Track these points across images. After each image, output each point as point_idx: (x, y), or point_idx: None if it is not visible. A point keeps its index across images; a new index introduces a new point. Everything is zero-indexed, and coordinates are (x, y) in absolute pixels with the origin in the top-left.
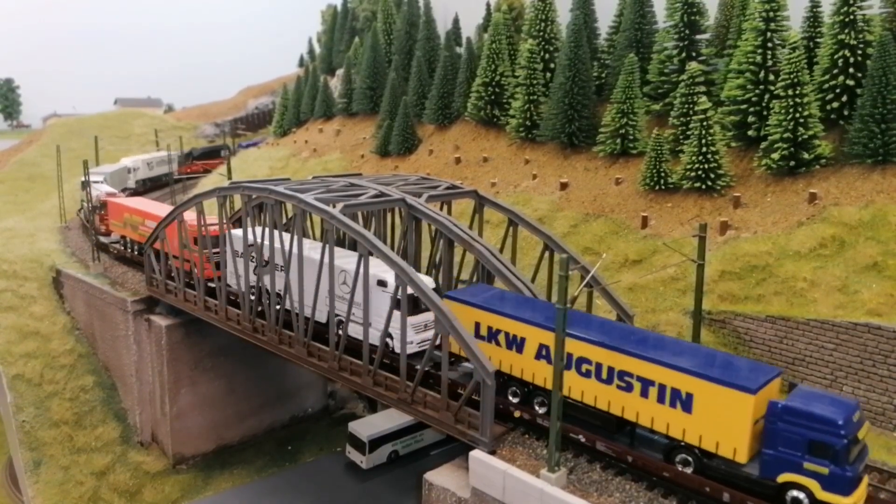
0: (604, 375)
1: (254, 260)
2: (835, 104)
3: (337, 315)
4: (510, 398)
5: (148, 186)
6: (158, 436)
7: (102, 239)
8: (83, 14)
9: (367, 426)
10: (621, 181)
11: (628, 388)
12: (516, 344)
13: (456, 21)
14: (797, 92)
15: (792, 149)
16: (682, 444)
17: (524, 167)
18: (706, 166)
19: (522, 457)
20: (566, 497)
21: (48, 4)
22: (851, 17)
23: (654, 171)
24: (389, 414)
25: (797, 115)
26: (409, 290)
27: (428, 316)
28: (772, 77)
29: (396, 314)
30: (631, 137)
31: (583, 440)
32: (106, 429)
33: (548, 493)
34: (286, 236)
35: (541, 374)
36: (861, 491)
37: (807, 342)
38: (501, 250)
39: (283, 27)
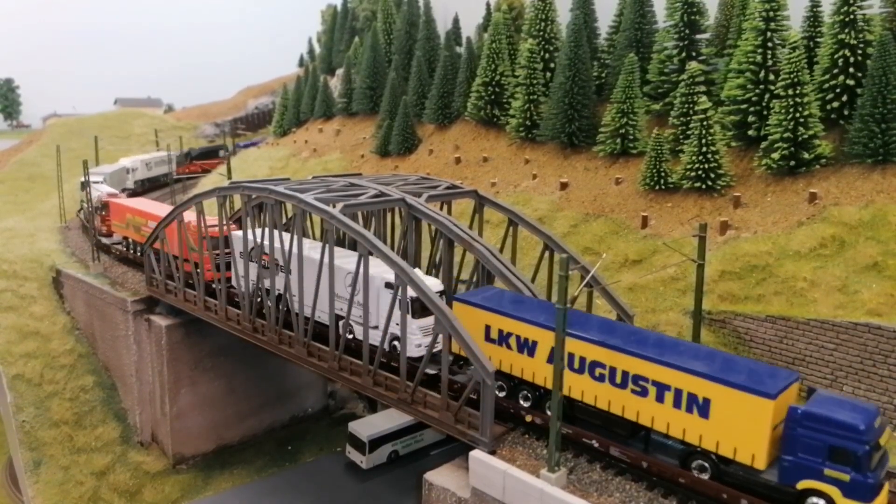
0: (618, 380)
1: (261, 262)
2: (835, 104)
3: (343, 317)
4: (521, 402)
5: (146, 187)
6: (158, 436)
7: (104, 240)
8: (83, 14)
9: (367, 426)
10: (621, 181)
11: (643, 392)
12: (527, 347)
13: (456, 21)
14: (797, 92)
15: (792, 148)
16: (699, 449)
17: (524, 167)
18: (706, 166)
19: (522, 457)
20: (566, 497)
21: (48, 4)
22: (851, 16)
23: (654, 170)
24: (389, 414)
25: (797, 114)
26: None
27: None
28: (772, 77)
29: (406, 316)
30: (631, 137)
31: (596, 445)
32: (106, 429)
33: (548, 493)
34: (293, 239)
35: (552, 378)
36: (882, 498)
37: (807, 342)
38: (501, 250)
39: (283, 27)
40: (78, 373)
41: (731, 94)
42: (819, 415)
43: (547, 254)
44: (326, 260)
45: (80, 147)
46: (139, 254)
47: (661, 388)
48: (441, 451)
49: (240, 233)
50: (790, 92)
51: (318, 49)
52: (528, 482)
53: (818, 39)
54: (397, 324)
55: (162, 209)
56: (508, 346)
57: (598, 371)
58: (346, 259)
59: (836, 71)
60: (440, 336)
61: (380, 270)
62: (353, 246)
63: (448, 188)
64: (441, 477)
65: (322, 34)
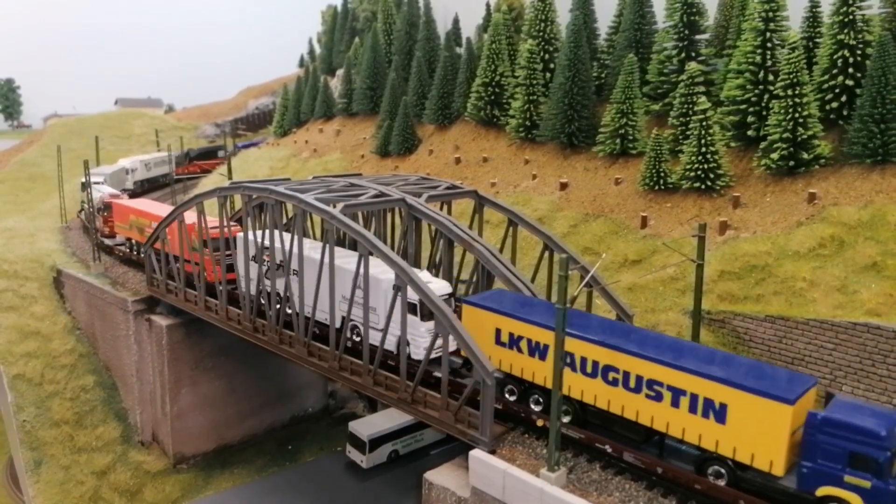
0: (632, 384)
1: (266, 264)
2: (834, 104)
3: (352, 320)
4: (532, 406)
5: (146, 188)
6: (159, 435)
7: (107, 241)
8: (83, 14)
9: (368, 426)
10: (621, 181)
11: (658, 397)
12: (539, 351)
13: (456, 21)
14: (796, 92)
15: (791, 149)
16: (715, 455)
17: (524, 167)
18: (705, 166)
19: (522, 456)
20: (566, 496)
21: (48, 4)
22: (851, 17)
23: (654, 171)
24: (389, 413)
25: (796, 115)
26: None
27: None
28: (771, 77)
29: (413, 319)
30: (630, 137)
31: (609, 450)
32: (106, 428)
33: (547, 492)
34: (300, 241)
35: (565, 381)
36: None
37: (806, 342)
38: (501, 250)
39: (283, 27)
40: (79, 372)
41: (731, 95)
42: (839, 420)
43: (547, 254)
44: (336, 263)
45: (80, 147)
46: (143, 255)
47: (677, 393)
48: (441, 450)
49: (246, 234)
50: (789, 92)
51: (318, 49)
52: (528, 481)
53: (817, 40)
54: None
55: (165, 210)
56: (519, 350)
57: (611, 375)
58: (353, 261)
59: (835, 71)
60: (450, 338)
61: (389, 273)
62: (354, 246)
63: (448, 188)
64: (441, 476)
65: (322, 34)
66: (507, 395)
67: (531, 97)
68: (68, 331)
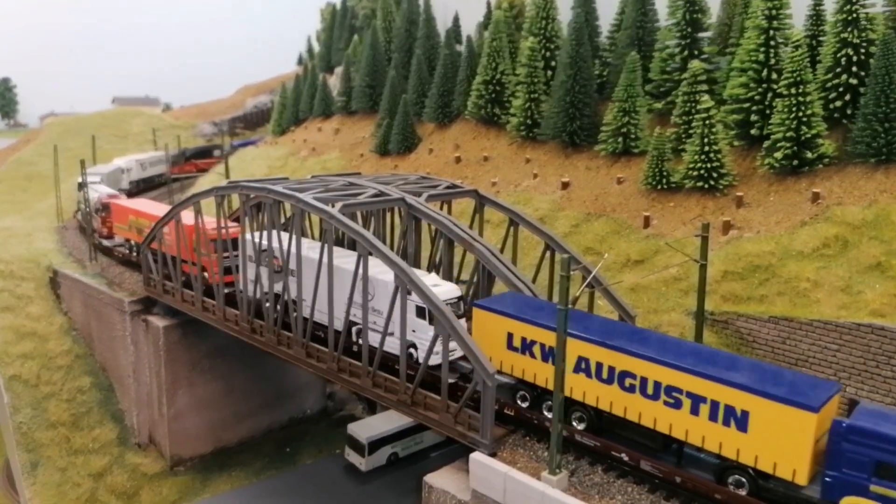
0: (649, 391)
1: (273, 267)
2: (838, 103)
3: (357, 324)
4: (545, 412)
5: (142, 187)
6: (156, 437)
7: (105, 242)
8: (80, 13)
9: (367, 428)
10: (623, 180)
11: (677, 404)
12: (552, 356)
13: (456, 19)
14: (800, 90)
15: (795, 148)
16: (736, 464)
17: (525, 166)
18: (708, 165)
19: (523, 459)
20: (567, 500)
21: (47, 4)
22: (854, 15)
23: (656, 170)
24: (389, 416)
25: (800, 113)
26: (445, 298)
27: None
28: (774, 75)
29: (422, 323)
30: (633, 136)
31: (626, 458)
32: (103, 430)
33: (549, 495)
34: (309, 242)
35: (579, 387)
36: None
37: (810, 343)
38: (502, 250)
39: (282, 26)
40: (75, 374)
41: (734, 93)
42: (865, 428)
43: (548, 254)
44: (343, 265)
45: (77, 146)
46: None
47: (697, 400)
48: (441, 453)
49: (250, 236)
50: (793, 91)
51: (317, 47)
52: (529, 485)
53: (821, 38)
54: (414, 330)
55: (165, 210)
56: (532, 355)
57: (628, 381)
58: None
59: (838, 70)
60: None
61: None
62: (353, 246)
63: (448, 187)
64: (441, 479)
65: (321, 32)
66: (519, 402)
67: (532, 95)
68: (65, 331)
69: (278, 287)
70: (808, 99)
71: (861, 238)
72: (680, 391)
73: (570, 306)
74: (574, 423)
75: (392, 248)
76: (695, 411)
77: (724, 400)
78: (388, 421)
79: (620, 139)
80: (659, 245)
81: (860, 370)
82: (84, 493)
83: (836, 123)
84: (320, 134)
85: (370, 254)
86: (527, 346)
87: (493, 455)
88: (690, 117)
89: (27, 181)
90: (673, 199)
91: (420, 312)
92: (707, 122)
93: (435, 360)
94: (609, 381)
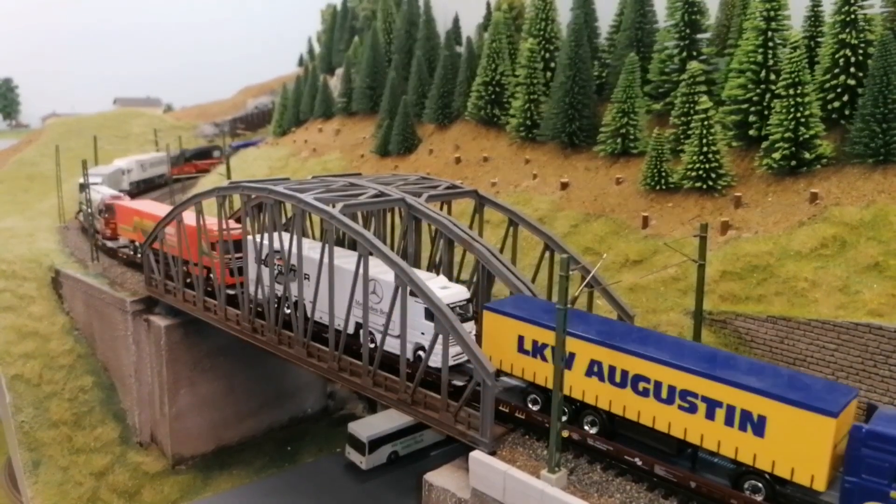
0: (664, 395)
1: (279, 268)
2: (836, 104)
3: (368, 326)
4: None
5: (141, 189)
6: (157, 436)
7: (109, 244)
8: (83, 14)
9: (367, 427)
10: (622, 181)
11: (692, 409)
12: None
13: (456, 20)
14: (798, 91)
15: (793, 148)
16: (752, 469)
17: (524, 167)
18: (707, 166)
19: (523, 458)
20: (566, 498)
21: (48, 4)
22: (852, 16)
23: (655, 170)
24: (389, 414)
25: (798, 114)
26: (449, 301)
27: (466, 327)
28: (773, 76)
29: (431, 325)
30: (632, 137)
31: (639, 463)
32: (105, 429)
33: (548, 493)
34: (315, 244)
35: (592, 391)
36: None
37: (808, 342)
38: (502, 250)
39: (283, 27)
40: (77, 373)
41: (732, 94)
42: (886, 434)
43: (547, 254)
44: (352, 268)
45: (79, 147)
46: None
47: (712, 405)
48: (441, 451)
49: (259, 238)
50: (791, 92)
51: (317, 48)
52: (529, 483)
53: (819, 39)
54: (423, 333)
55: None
56: (543, 358)
57: (641, 385)
58: (377, 269)
59: (837, 71)
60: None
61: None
62: (354, 247)
63: (448, 188)
64: (441, 478)
65: (322, 33)
66: (530, 405)
67: (532, 96)
68: (66, 331)
69: (286, 289)
70: (807, 100)
71: (859, 238)
72: (695, 395)
73: (571, 307)
74: (586, 427)
75: (392, 249)
76: (710, 416)
77: (741, 404)
78: (388, 420)
79: (619, 140)
80: (657, 245)
81: (858, 369)
82: (86, 492)
83: (835, 124)
84: (321, 135)
85: (370, 254)
86: (538, 350)
87: (492, 453)
88: (689, 118)
89: (29, 181)
90: (671, 199)
91: (429, 315)
92: (706, 122)
93: (441, 362)
94: (622, 385)
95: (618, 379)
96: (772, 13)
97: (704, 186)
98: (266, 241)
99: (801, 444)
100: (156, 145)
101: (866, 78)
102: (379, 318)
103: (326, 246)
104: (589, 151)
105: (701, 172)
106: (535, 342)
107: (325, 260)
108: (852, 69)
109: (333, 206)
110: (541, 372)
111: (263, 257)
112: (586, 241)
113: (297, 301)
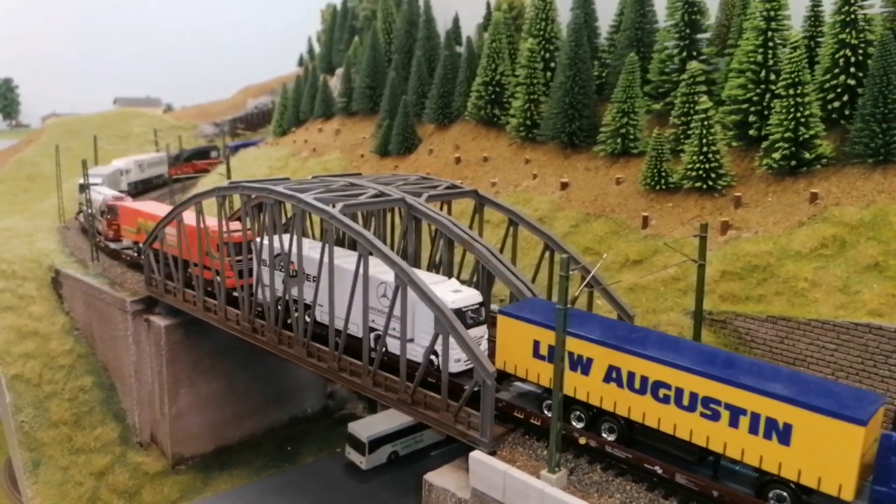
0: (685, 402)
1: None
2: (836, 104)
3: (376, 329)
4: (573, 422)
5: (140, 189)
6: (158, 436)
7: (112, 245)
8: (83, 14)
9: (367, 427)
10: (622, 181)
11: (714, 416)
12: (581, 365)
13: (456, 20)
14: (798, 91)
15: (793, 148)
16: (777, 478)
17: (524, 167)
18: (707, 166)
19: (523, 458)
20: (566, 498)
21: (50, 5)
22: (852, 16)
23: (655, 170)
24: (389, 414)
25: (798, 114)
26: (461, 305)
27: (478, 331)
28: (773, 76)
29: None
30: (632, 137)
31: (660, 471)
32: (105, 429)
33: (548, 493)
34: (318, 245)
35: (610, 397)
36: None
37: (808, 342)
38: (502, 250)
39: (283, 27)
40: (77, 373)
41: (732, 94)
42: None
43: (547, 254)
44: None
45: (79, 147)
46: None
47: (736, 412)
48: (441, 451)
49: (265, 240)
50: (791, 92)
51: (317, 48)
52: (529, 483)
53: (819, 39)
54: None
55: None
56: None
57: (661, 392)
58: (382, 271)
59: (836, 71)
60: (483, 348)
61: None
62: (354, 247)
63: (448, 188)
64: (441, 478)
65: (322, 33)
66: (545, 411)
67: (532, 96)
68: (66, 331)
69: (289, 291)
70: (807, 100)
71: (859, 238)
72: (718, 402)
73: (572, 307)
74: (604, 434)
75: (392, 249)
76: (734, 423)
77: (766, 412)
78: (388, 420)
79: (619, 140)
80: (657, 245)
81: (858, 369)
82: (86, 492)
83: (835, 124)
84: (321, 135)
85: (370, 254)
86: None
87: (492, 453)
88: (689, 118)
89: (29, 181)
90: (671, 199)
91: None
92: (705, 122)
93: (458, 367)
94: (642, 392)
95: (637, 385)
96: (772, 13)
97: (704, 186)
98: (276, 244)
99: (828, 453)
100: (156, 145)
101: (866, 78)
102: (392, 322)
103: (336, 248)
104: (589, 151)
105: (701, 172)
106: (550, 347)
107: (338, 264)
108: (852, 69)
109: (333, 206)
110: None
111: (274, 259)
112: (586, 241)
113: (308, 304)
